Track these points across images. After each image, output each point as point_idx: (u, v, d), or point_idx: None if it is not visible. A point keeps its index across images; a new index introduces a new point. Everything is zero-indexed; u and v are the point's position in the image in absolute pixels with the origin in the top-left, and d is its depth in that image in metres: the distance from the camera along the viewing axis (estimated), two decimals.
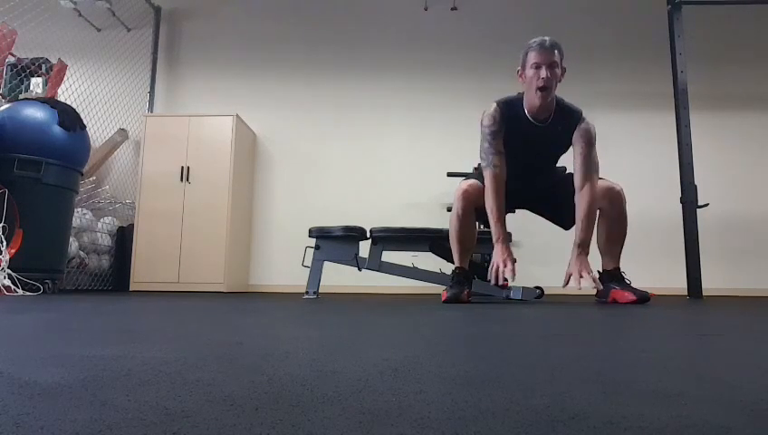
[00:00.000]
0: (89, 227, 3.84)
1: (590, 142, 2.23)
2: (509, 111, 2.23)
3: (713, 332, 1.07)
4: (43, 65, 3.56)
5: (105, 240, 4.01)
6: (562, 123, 2.23)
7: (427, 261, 2.94)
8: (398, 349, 0.73)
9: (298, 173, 4.54)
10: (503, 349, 0.74)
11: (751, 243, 4.32)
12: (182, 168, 3.97)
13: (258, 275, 4.43)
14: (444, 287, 2.43)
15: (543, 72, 2.13)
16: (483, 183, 2.26)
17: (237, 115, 4.11)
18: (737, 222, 4.33)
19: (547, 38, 2.18)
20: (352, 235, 2.82)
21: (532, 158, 2.35)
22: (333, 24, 4.77)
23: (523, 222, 4.31)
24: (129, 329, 1.01)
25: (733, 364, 0.63)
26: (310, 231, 2.89)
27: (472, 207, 2.30)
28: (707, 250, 3.42)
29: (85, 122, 3.24)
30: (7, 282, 2.57)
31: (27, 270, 2.69)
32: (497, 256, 2.15)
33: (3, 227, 2.63)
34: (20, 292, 2.60)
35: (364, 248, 2.88)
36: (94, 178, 4.11)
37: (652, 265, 4.28)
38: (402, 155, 4.52)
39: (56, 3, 4.19)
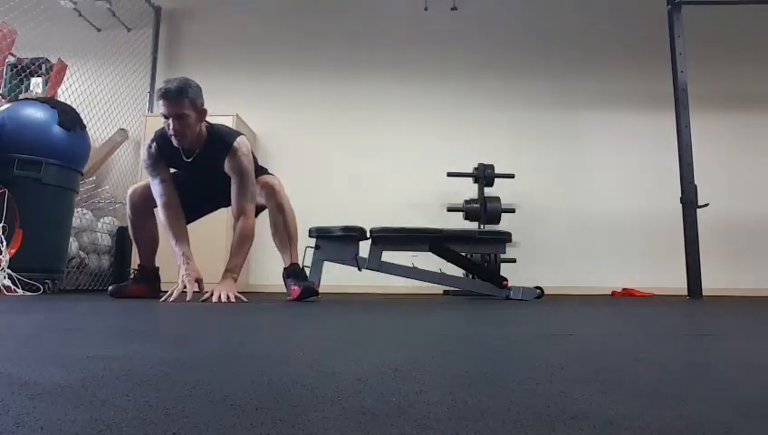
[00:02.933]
0: (89, 227, 3.84)
1: (240, 172, 2.22)
2: (163, 144, 2.24)
3: (713, 332, 1.07)
4: (43, 65, 3.56)
5: (105, 240, 4.01)
6: (212, 152, 2.24)
7: (427, 261, 2.94)
8: (398, 349, 0.73)
9: (298, 173, 4.54)
10: (503, 349, 0.74)
11: (751, 243, 4.32)
12: None
13: (258, 275, 4.42)
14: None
15: (172, 124, 2.10)
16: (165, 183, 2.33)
17: (237, 115, 4.11)
18: (737, 222, 4.33)
19: (173, 86, 2.08)
20: (352, 235, 2.82)
21: (201, 185, 2.40)
22: (333, 25, 4.77)
23: (523, 222, 4.32)
24: (129, 329, 1.01)
25: (733, 364, 0.63)
26: (310, 231, 2.89)
27: (142, 206, 2.40)
28: (707, 250, 3.42)
29: (85, 122, 3.23)
30: (7, 282, 2.57)
31: (27, 270, 2.69)
32: (183, 277, 2.26)
33: (3, 227, 2.63)
34: (20, 292, 2.60)
35: (364, 248, 2.88)
36: (94, 178, 4.11)
37: (652, 265, 4.28)
38: (402, 155, 4.52)
39: (56, 3, 4.19)
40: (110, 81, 4.37)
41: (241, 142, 2.25)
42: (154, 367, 0.55)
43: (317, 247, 2.88)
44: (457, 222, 4.10)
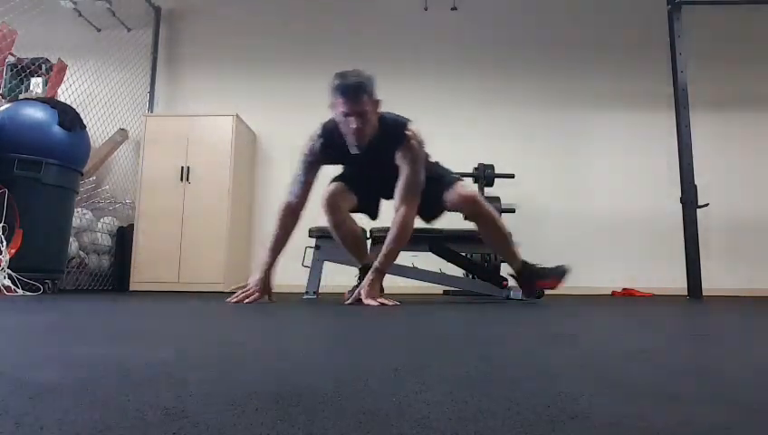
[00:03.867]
0: (89, 227, 3.84)
1: (412, 163, 2.05)
2: (331, 139, 2.10)
3: (713, 332, 1.07)
4: (43, 65, 3.56)
5: (105, 240, 4.01)
6: (386, 142, 2.09)
7: (427, 261, 2.94)
8: (398, 349, 0.73)
9: None
10: (503, 349, 0.74)
11: (751, 243, 4.32)
12: (182, 168, 3.97)
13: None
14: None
15: (353, 123, 1.97)
16: (343, 183, 2.25)
17: (237, 115, 4.11)
18: (737, 222, 4.33)
19: (352, 81, 1.95)
20: None
21: (372, 176, 2.27)
22: (333, 24, 4.76)
23: (523, 222, 4.32)
24: (129, 329, 1.01)
25: (733, 364, 0.63)
26: (310, 231, 2.89)
27: (338, 211, 2.26)
28: (707, 250, 3.42)
29: (85, 122, 3.23)
30: (7, 282, 2.57)
31: (27, 270, 2.69)
32: (253, 285, 2.11)
33: (3, 227, 2.63)
34: (20, 292, 2.60)
35: None
36: (94, 178, 4.11)
37: (652, 265, 4.28)
38: None
39: (56, 3, 4.19)
40: (110, 81, 4.37)
41: (414, 130, 2.09)
42: (154, 367, 0.55)
43: (317, 247, 2.88)
44: (457, 222, 4.09)
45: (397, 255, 2.07)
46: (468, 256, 3.15)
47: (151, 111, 4.55)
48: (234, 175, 3.99)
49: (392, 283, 3.44)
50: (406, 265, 2.86)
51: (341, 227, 2.28)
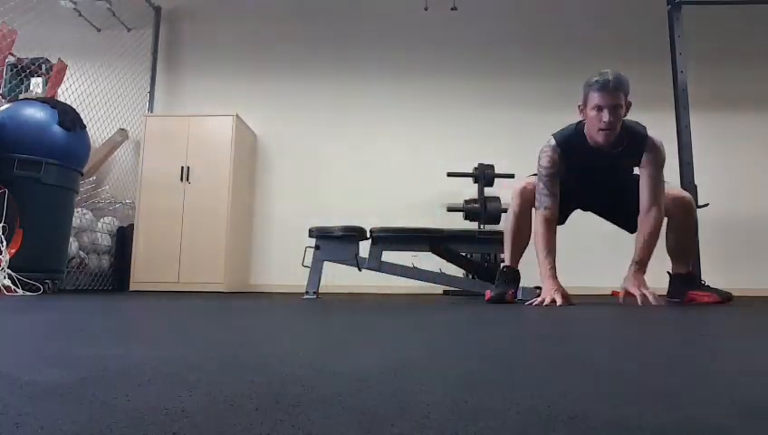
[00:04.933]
0: (89, 227, 3.84)
1: (657, 164, 2.14)
2: (569, 147, 2.18)
3: (713, 332, 1.07)
4: (43, 65, 3.57)
5: (105, 240, 4.01)
6: (630, 148, 2.15)
7: (427, 261, 2.94)
8: (399, 349, 0.73)
9: (298, 173, 4.54)
10: (503, 349, 0.74)
11: (751, 243, 4.32)
12: (182, 168, 3.97)
13: (258, 275, 4.42)
14: (487, 289, 2.46)
15: (606, 116, 2.02)
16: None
17: (237, 115, 4.11)
18: (737, 222, 4.33)
19: (610, 77, 2.02)
20: (352, 235, 2.82)
21: (601, 185, 2.33)
22: (333, 24, 4.77)
23: None
24: (129, 329, 1.01)
25: (733, 364, 0.63)
26: (310, 231, 2.89)
27: (529, 206, 2.31)
28: (707, 250, 3.42)
29: (85, 122, 3.23)
30: (7, 282, 2.57)
31: (27, 270, 2.69)
32: (546, 291, 2.19)
33: (3, 227, 2.63)
34: (20, 292, 2.60)
35: (364, 248, 2.88)
36: (94, 178, 4.11)
37: (652, 266, 4.27)
38: (402, 155, 4.52)
39: (56, 3, 4.19)
40: (110, 81, 4.38)
41: (654, 134, 2.16)
42: (154, 367, 0.55)
43: (317, 247, 2.88)
44: (457, 222, 4.10)
45: (652, 250, 2.17)
46: (468, 256, 3.15)
47: (151, 111, 4.55)
48: (234, 175, 3.99)
49: (392, 283, 3.45)
50: (406, 265, 2.87)
51: (526, 224, 2.35)
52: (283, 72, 4.70)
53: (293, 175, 4.55)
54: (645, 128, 2.17)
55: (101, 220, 4.03)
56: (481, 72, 4.63)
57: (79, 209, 3.61)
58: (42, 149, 2.86)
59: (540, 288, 2.82)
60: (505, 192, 4.12)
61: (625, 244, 4.33)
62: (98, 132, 4.17)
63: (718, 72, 4.51)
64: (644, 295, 2.03)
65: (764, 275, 4.26)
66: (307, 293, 2.86)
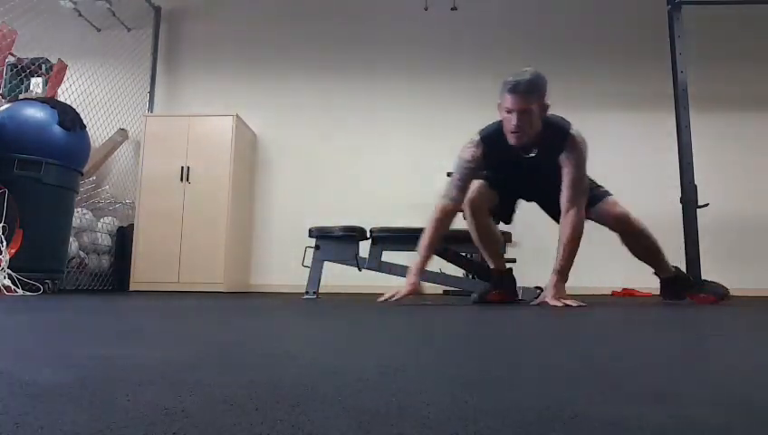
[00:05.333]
0: (89, 227, 3.84)
1: (578, 164, 2.06)
2: (493, 145, 2.11)
3: (713, 332, 1.07)
4: (43, 65, 3.57)
5: (105, 240, 4.01)
6: (550, 147, 2.08)
7: (428, 261, 2.94)
8: (399, 349, 0.73)
9: (298, 173, 4.54)
10: (503, 349, 0.74)
11: (751, 243, 4.32)
12: (182, 168, 3.97)
13: (258, 275, 4.42)
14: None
15: (514, 120, 1.98)
16: (487, 184, 2.25)
17: (237, 115, 4.11)
18: (737, 222, 4.33)
19: (524, 78, 1.96)
20: (352, 235, 2.82)
21: (530, 182, 2.27)
22: (333, 24, 4.77)
23: (523, 222, 4.31)
24: (129, 329, 1.01)
25: (733, 364, 0.63)
26: (310, 231, 2.89)
27: (480, 209, 2.26)
28: (707, 250, 3.42)
29: (85, 122, 3.23)
30: (7, 282, 2.57)
31: (27, 270, 2.69)
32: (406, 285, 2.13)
33: (3, 227, 2.63)
34: (20, 292, 2.60)
35: (364, 248, 2.88)
36: (94, 178, 4.11)
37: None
38: (402, 155, 4.52)
39: (56, 3, 4.19)
40: (110, 81, 4.38)
41: (577, 131, 2.08)
42: (154, 367, 0.55)
43: (317, 247, 2.88)
44: (457, 222, 4.09)
45: (574, 256, 2.09)
46: (468, 256, 3.14)
47: (151, 111, 4.55)
48: (234, 175, 3.99)
49: (392, 283, 3.44)
50: (406, 265, 2.86)
51: (482, 228, 2.29)
52: (283, 72, 4.70)
53: (293, 175, 4.55)
54: (569, 125, 2.08)
55: (101, 220, 4.03)
56: (481, 72, 4.63)
57: (79, 209, 3.61)
58: (42, 149, 2.86)
59: (540, 288, 2.82)
60: None
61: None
62: (98, 132, 4.17)
63: (718, 72, 4.51)
64: (566, 307, 1.92)
65: (764, 275, 4.26)
66: (307, 293, 2.86)
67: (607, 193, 2.27)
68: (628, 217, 2.22)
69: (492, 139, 2.11)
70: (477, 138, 2.16)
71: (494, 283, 2.35)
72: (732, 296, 2.27)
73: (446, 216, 2.17)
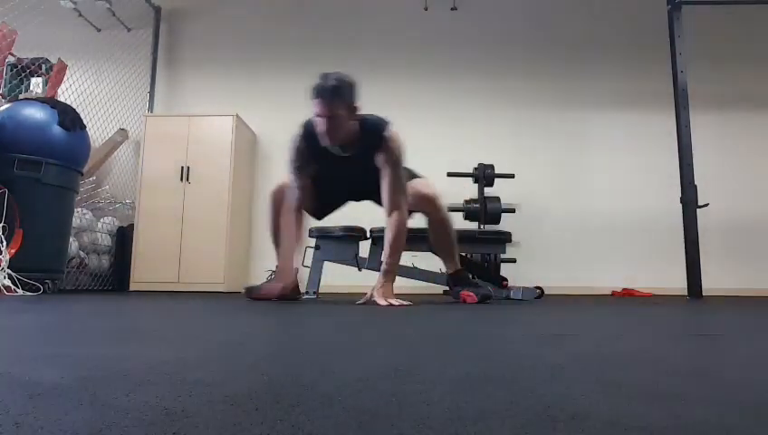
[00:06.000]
0: (89, 227, 3.84)
1: (394, 164, 2.08)
2: (311, 140, 2.11)
3: (713, 332, 1.07)
4: (43, 65, 3.56)
5: (105, 240, 4.01)
6: (365, 147, 2.10)
7: (427, 261, 2.94)
8: (398, 349, 0.73)
9: None
10: (503, 349, 0.74)
11: (751, 243, 4.32)
12: (182, 168, 3.97)
13: (258, 275, 4.42)
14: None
15: (321, 124, 2.01)
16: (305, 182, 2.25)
17: (237, 115, 4.11)
18: (737, 222, 4.33)
19: (328, 85, 1.97)
20: (352, 235, 2.82)
21: (348, 180, 2.29)
22: (333, 24, 4.77)
23: (523, 222, 4.32)
24: (129, 329, 1.01)
25: (733, 364, 0.63)
26: (310, 231, 2.89)
27: (280, 206, 2.29)
28: (707, 250, 3.42)
29: (85, 122, 3.23)
30: (7, 282, 2.57)
31: (27, 270, 2.69)
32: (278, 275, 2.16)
33: (3, 227, 2.63)
34: (20, 292, 2.60)
35: (364, 248, 2.88)
36: (94, 178, 4.11)
37: (652, 265, 4.28)
38: None
39: (56, 3, 4.19)
40: (110, 81, 4.37)
41: (393, 132, 2.10)
42: (154, 367, 0.55)
43: (317, 247, 2.88)
44: (457, 222, 4.10)
45: (400, 255, 2.14)
46: (468, 256, 3.15)
47: (151, 111, 4.55)
48: (234, 175, 3.99)
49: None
50: (406, 265, 2.86)
51: (278, 223, 2.31)
52: (283, 72, 4.70)
53: None
54: (385, 125, 2.11)
55: (101, 220, 4.03)
56: (481, 72, 4.63)
57: (79, 209, 3.61)
58: (42, 149, 2.85)
59: (540, 288, 2.83)
60: (504, 192, 4.13)
61: (625, 244, 4.35)
62: (98, 132, 4.16)
63: (718, 72, 4.51)
64: (390, 306, 1.92)
65: (765, 274, 4.26)
66: (307, 293, 2.86)
67: (421, 177, 2.37)
68: (437, 199, 2.26)
69: (310, 134, 2.11)
70: (300, 132, 2.18)
71: (270, 280, 2.36)
72: (494, 299, 2.26)
73: (296, 217, 2.22)
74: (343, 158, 2.13)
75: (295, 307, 1.81)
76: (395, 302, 1.95)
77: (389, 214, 2.11)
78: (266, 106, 4.62)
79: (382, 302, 1.95)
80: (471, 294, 2.17)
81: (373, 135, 2.09)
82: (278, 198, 2.31)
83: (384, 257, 2.11)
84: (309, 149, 2.15)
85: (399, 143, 2.12)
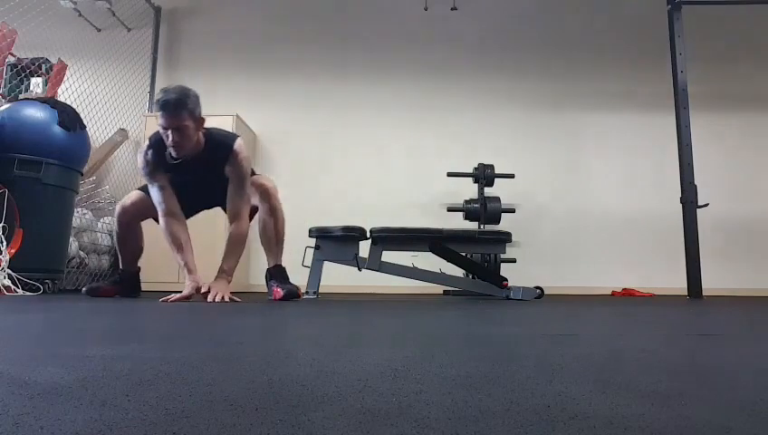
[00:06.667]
0: (89, 227, 3.84)
1: (239, 176, 2.24)
2: (159, 150, 2.20)
3: (713, 332, 1.07)
4: (43, 65, 3.56)
5: (105, 240, 4.00)
6: (213, 159, 2.22)
7: (427, 261, 2.94)
8: (398, 349, 0.73)
9: (298, 173, 4.54)
10: (503, 349, 0.74)
11: (751, 243, 4.32)
12: None
13: (258, 275, 4.42)
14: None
15: (170, 138, 2.08)
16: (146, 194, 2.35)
17: (237, 115, 4.11)
18: (737, 222, 4.33)
19: (171, 97, 2.06)
20: (352, 235, 2.82)
21: (198, 187, 2.35)
22: (333, 24, 4.76)
23: (523, 222, 4.32)
24: (130, 329, 1.01)
25: (733, 364, 0.63)
26: (310, 231, 2.89)
27: (128, 222, 2.41)
28: (707, 250, 3.42)
29: (85, 122, 3.23)
30: (7, 282, 2.57)
31: (27, 270, 2.69)
32: (187, 287, 2.26)
33: (3, 227, 2.63)
34: (20, 292, 2.60)
35: (364, 248, 2.88)
36: (94, 178, 4.11)
37: (652, 265, 4.28)
38: (402, 155, 4.52)
39: (56, 3, 4.18)
40: (110, 81, 4.37)
41: (240, 146, 2.25)
42: (154, 367, 0.55)
43: (317, 247, 2.88)
44: (457, 222, 4.10)
45: (237, 258, 2.35)
46: (468, 256, 3.15)
47: (151, 111, 4.54)
48: None
49: (392, 283, 3.45)
50: (406, 265, 2.86)
51: (125, 233, 2.44)
52: (283, 73, 4.69)
53: (293, 175, 4.54)
54: (233, 139, 2.26)
55: (101, 220, 4.03)
56: (481, 72, 4.63)
57: (79, 209, 3.60)
58: (42, 149, 2.85)
59: (540, 288, 2.82)
60: (504, 192, 4.13)
61: (625, 244, 4.35)
62: (98, 132, 4.16)
63: (718, 72, 4.51)
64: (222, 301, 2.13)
65: (764, 275, 4.26)
66: (307, 293, 2.86)
67: (259, 175, 2.49)
68: (273, 190, 2.39)
69: (158, 145, 2.20)
70: (147, 143, 2.26)
71: (115, 280, 2.52)
72: (301, 296, 2.41)
73: (172, 220, 2.28)
74: (189, 168, 2.21)
75: (295, 307, 1.81)
76: (227, 298, 2.16)
77: (231, 221, 2.29)
78: (266, 106, 4.62)
79: (215, 298, 2.13)
80: (279, 290, 2.32)
81: (221, 147, 2.23)
82: (124, 218, 2.39)
83: (224, 259, 2.31)
84: (158, 162, 2.23)
85: (246, 156, 2.27)
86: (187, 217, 2.51)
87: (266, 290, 2.52)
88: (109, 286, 2.46)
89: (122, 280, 2.52)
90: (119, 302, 2.06)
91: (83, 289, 2.47)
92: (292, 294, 2.32)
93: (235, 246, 2.30)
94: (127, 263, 2.51)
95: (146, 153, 2.23)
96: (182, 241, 2.30)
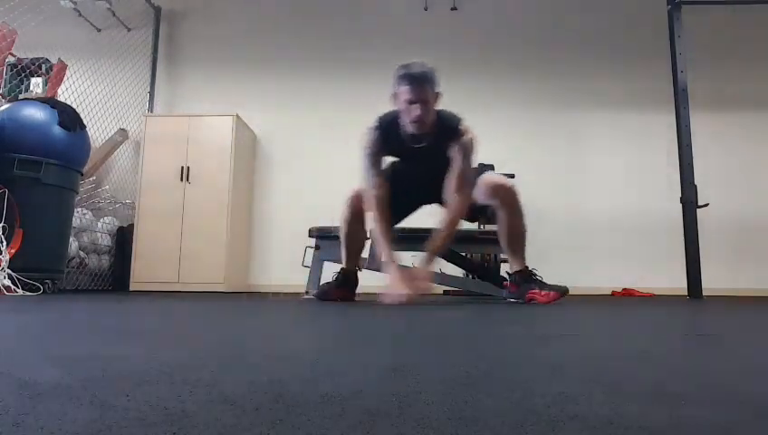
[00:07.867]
0: (89, 227, 3.84)
1: (466, 155, 2.11)
2: (388, 131, 2.13)
3: (713, 332, 1.07)
4: (43, 65, 3.56)
5: (105, 240, 4.01)
6: (441, 138, 2.12)
7: None
8: (398, 349, 0.73)
9: (298, 173, 4.54)
10: (503, 349, 0.74)
11: (751, 243, 4.32)
12: (182, 168, 3.97)
13: (258, 274, 4.42)
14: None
15: (416, 111, 2.01)
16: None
17: (237, 115, 4.11)
18: (737, 222, 4.33)
19: (417, 70, 2.03)
20: None
21: (421, 174, 2.28)
22: (333, 25, 4.76)
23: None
24: (129, 329, 1.01)
25: (733, 364, 0.63)
26: (310, 231, 2.89)
27: (357, 213, 2.28)
28: (707, 250, 3.42)
29: (85, 122, 3.23)
30: (7, 282, 2.57)
31: (27, 270, 2.69)
32: (394, 283, 2.08)
33: (3, 227, 2.63)
34: (20, 292, 2.60)
35: (364, 248, 2.87)
36: (94, 178, 4.11)
37: (652, 265, 4.28)
38: None
39: (56, 3, 4.19)
40: (110, 81, 4.37)
41: (467, 125, 2.12)
42: (154, 367, 0.55)
43: (317, 247, 2.88)
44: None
45: (447, 239, 2.14)
46: (468, 256, 3.15)
47: (151, 111, 4.54)
48: (234, 175, 3.99)
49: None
50: (406, 265, 2.86)
51: (353, 226, 2.29)
52: (283, 72, 4.69)
53: (294, 175, 4.54)
54: (460, 120, 2.14)
55: (101, 220, 4.03)
56: (480, 72, 4.63)
57: (79, 209, 3.60)
58: (42, 149, 2.85)
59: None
60: None
61: (625, 244, 4.34)
62: (98, 132, 4.16)
63: (718, 72, 4.51)
64: (411, 294, 1.91)
65: (765, 274, 4.25)
66: (307, 293, 2.86)
67: (490, 169, 2.35)
68: (509, 186, 2.23)
69: (388, 125, 2.14)
70: (376, 123, 2.18)
71: (338, 282, 2.38)
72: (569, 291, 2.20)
73: (383, 204, 2.16)
74: (418, 149, 2.12)
75: (295, 307, 1.81)
76: (422, 288, 1.94)
77: (452, 198, 2.10)
78: (266, 106, 4.62)
79: (410, 286, 1.93)
80: (547, 293, 2.11)
81: (448, 127, 2.11)
82: (356, 204, 2.25)
83: (433, 239, 2.09)
84: (386, 143, 2.15)
85: (473, 137, 2.12)
86: (405, 215, 2.42)
87: (286, 290, 2.39)
88: (338, 290, 2.34)
89: (346, 280, 2.36)
90: (118, 302, 2.06)
91: (311, 293, 2.26)
92: (564, 291, 2.16)
93: (452, 224, 2.12)
94: (351, 260, 2.36)
95: (373, 133, 2.14)
96: (389, 232, 2.17)
